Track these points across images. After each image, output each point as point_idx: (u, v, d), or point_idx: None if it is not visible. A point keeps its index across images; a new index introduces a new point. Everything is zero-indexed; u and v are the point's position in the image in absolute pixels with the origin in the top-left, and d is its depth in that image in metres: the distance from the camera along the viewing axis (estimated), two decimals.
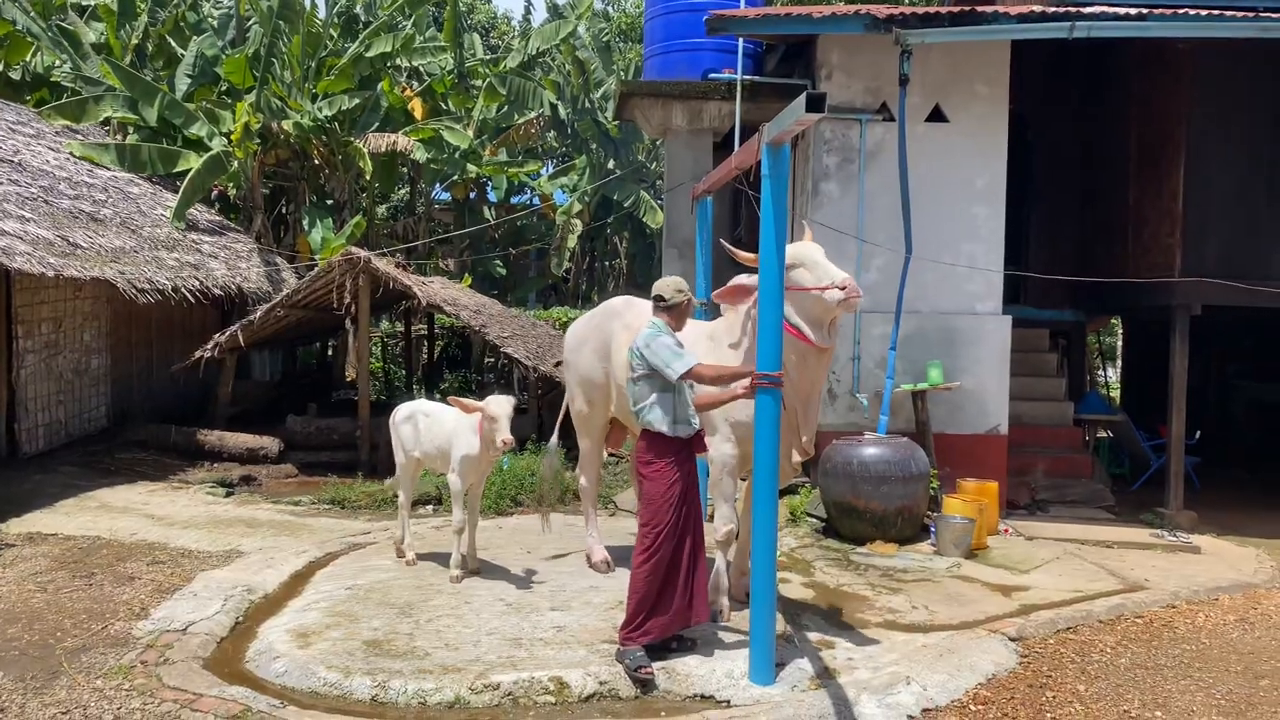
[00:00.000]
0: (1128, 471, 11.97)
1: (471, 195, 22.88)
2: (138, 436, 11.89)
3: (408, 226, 22.04)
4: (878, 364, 9.23)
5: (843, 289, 5.33)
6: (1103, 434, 12.43)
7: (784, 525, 8.92)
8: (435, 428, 6.86)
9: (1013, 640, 5.97)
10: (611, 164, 20.72)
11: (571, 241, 21.11)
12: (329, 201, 19.31)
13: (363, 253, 11.51)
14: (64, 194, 11.60)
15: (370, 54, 17.74)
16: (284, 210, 20.61)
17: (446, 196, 23.41)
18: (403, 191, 23.40)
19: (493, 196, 23.09)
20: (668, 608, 5.17)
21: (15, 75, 17.66)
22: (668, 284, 5.46)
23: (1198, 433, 11.18)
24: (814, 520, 8.85)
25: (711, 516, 6.43)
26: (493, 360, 18.34)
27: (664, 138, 10.35)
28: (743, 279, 5.67)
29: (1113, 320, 18.97)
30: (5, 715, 4.58)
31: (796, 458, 5.86)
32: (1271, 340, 12.85)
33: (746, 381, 5.06)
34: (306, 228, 17.59)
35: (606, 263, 23.90)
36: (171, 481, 10.59)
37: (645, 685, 5.02)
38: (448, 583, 6.62)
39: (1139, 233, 10.24)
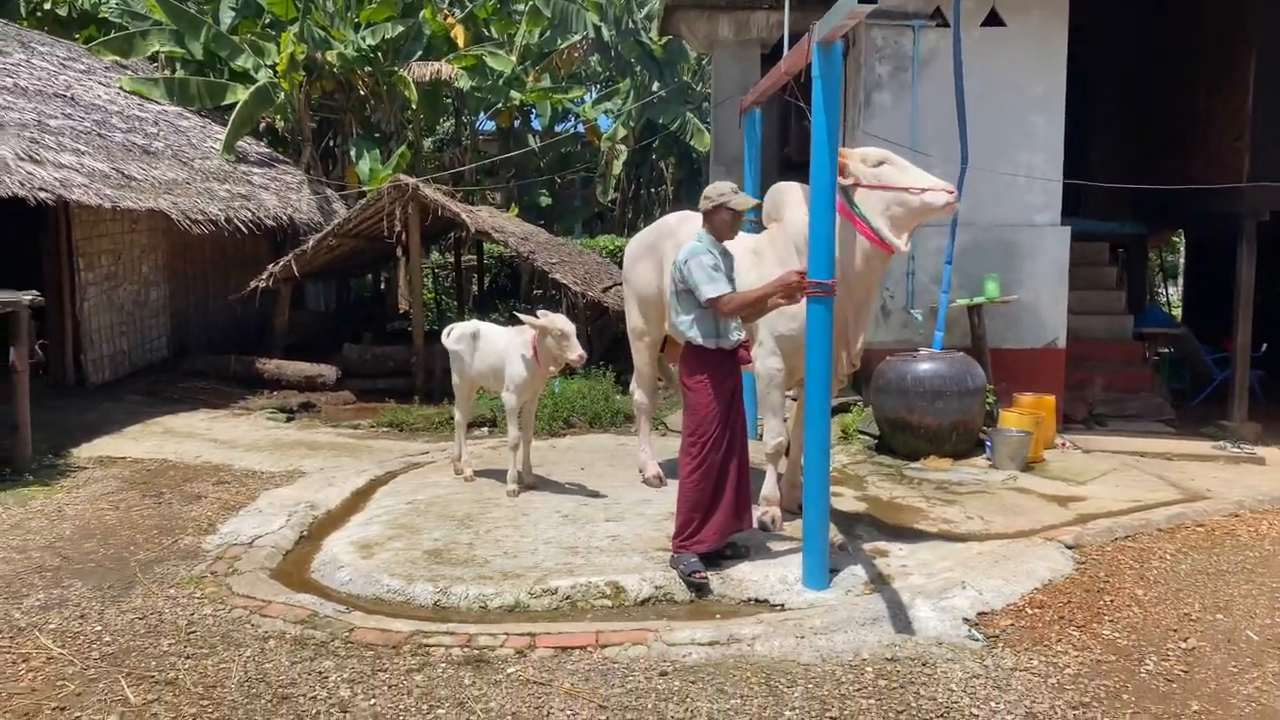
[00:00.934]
0: (1189, 386, 11.74)
1: (516, 124, 22.76)
2: (198, 366, 12.14)
3: (454, 157, 22.05)
4: (933, 279, 9.08)
5: (949, 192, 5.23)
6: (1164, 350, 12.17)
7: (836, 443, 8.89)
8: (488, 347, 6.91)
9: (1069, 548, 5.93)
10: (656, 86, 20.42)
11: (617, 168, 20.95)
12: (376, 133, 19.34)
13: (411, 180, 11.52)
14: (117, 127, 11.73)
15: None
16: (331, 143, 20.70)
17: (491, 126, 23.32)
18: (448, 122, 23.30)
19: (537, 124, 22.95)
20: (718, 515, 5.21)
21: (63, 12, 17.79)
22: (708, 189, 5.36)
23: (1264, 345, 10.90)
24: (866, 437, 8.81)
25: (761, 432, 6.43)
26: (540, 290, 18.38)
27: (710, 52, 10.15)
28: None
29: (1175, 237, 18.48)
30: (86, 620, 4.77)
31: (844, 368, 5.82)
32: None
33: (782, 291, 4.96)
34: (354, 159, 17.66)
35: (653, 189, 23.69)
36: (233, 409, 10.82)
37: (700, 589, 5.09)
38: (505, 497, 6.73)
39: (1205, 138, 9.89)
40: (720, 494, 5.23)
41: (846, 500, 7.03)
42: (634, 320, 7.12)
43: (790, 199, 5.85)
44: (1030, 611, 4.98)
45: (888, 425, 8.41)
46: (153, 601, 5.02)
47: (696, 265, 5.13)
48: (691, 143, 19.37)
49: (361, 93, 19.33)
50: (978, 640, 4.63)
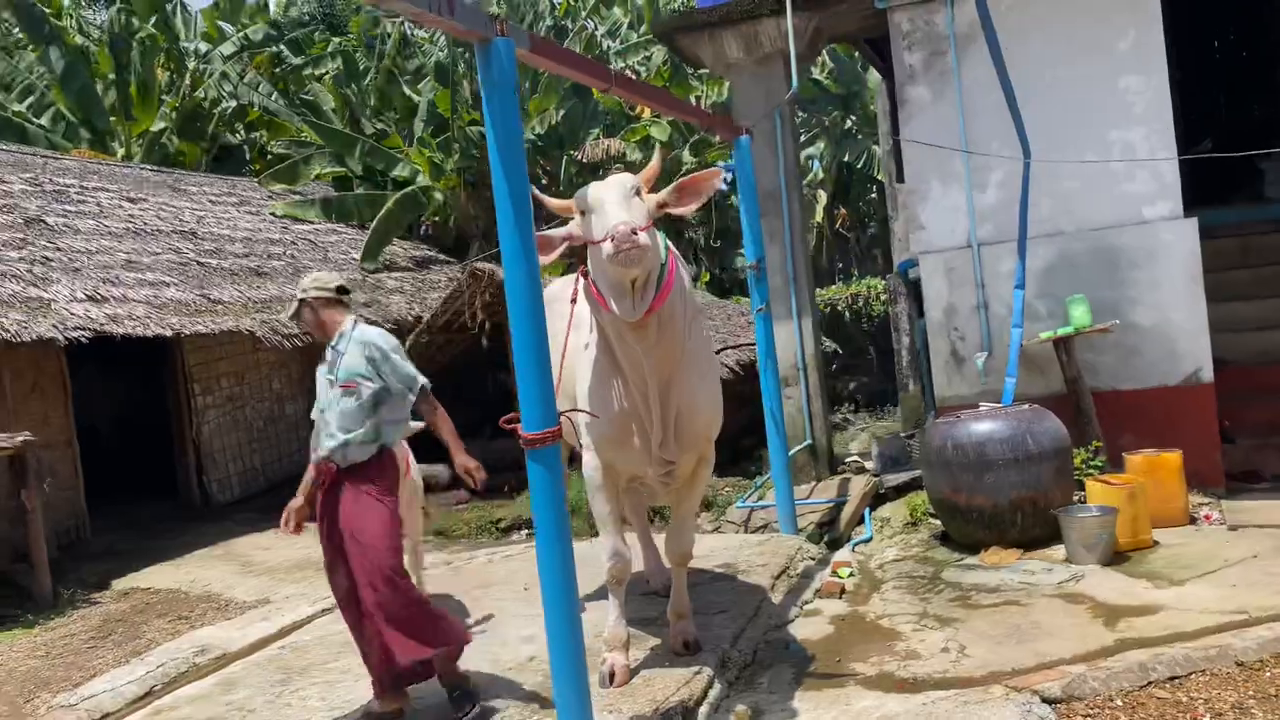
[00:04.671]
0: None
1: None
2: None
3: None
4: (1010, 310, 7.02)
5: (613, 239, 3.69)
6: None
7: (900, 529, 7.09)
8: None
9: (1049, 702, 3.97)
10: (849, 123, 18.79)
11: (817, 214, 19.40)
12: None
13: (488, 266, 10.96)
14: (231, 253, 12.22)
15: None
16: None
17: None
18: None
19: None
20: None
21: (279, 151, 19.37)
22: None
23: None
24: (937, 523, 6.87)
25: None
26: None
27: (727, 76, 8.74)
28: (550, 230, 4.23)
29: None
30: None
31: (655, 466, 4.32)
32: None
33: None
34: None
35: (863, 232, 21.69)
36: None
37: None
38: None
39: None
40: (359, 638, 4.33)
41: (817, 622, 5.36)
42: None
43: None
44: None
45: (939, 508, 6.51)
46: None
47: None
48: (881, 178, 17.50)
49: (543, 180, 19.46)
50: None
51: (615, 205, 3.80)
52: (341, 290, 4.50)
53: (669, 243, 4.16)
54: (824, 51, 18.93)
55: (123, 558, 9.31)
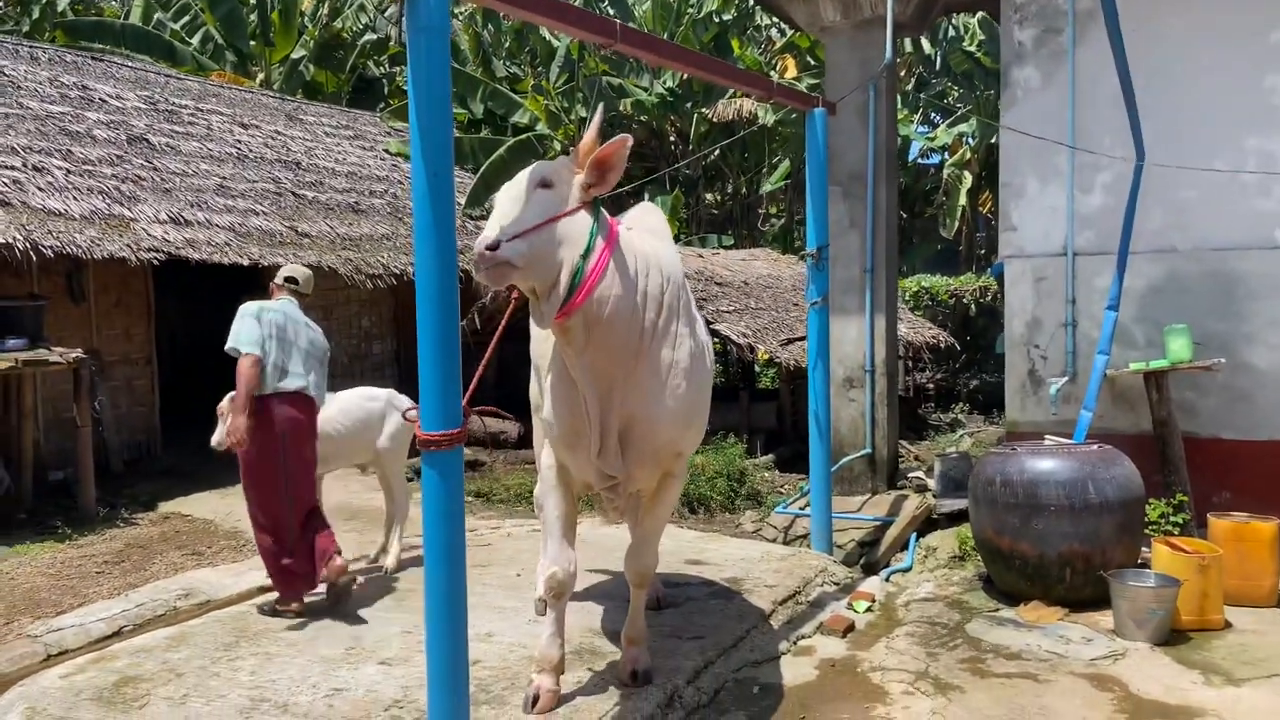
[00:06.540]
0: None
1: None
2: None
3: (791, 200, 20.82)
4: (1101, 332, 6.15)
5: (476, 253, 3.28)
6: None
7: (945, 563, 6.41)
8: None
9: None
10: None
11: (960, 197, 18.18)
12: (677, 180, 18.77)
13: None
14: (330, 188, 12.17)
15: (700, 15, 16.77)
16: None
17: None
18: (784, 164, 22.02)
19: None
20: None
21: None
22: None
23: None
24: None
25: None
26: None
27: (822, 39, 7.92)
28: None
29: None
30: None
31: (594, 477, 3.83)
32: None
33: None
34: None
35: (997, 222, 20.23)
36: None
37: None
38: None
39: None
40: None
41: (800, 665, 4.78)
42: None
43: None
44: None
45: (982, 549, 5.77)
46: None
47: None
48: None
49: (672, 138, 18.94)
50: None
51: (497, 211, 3.36)
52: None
53: (602, 226, 3.56)
54: (977, 23, 17.65)
55: (180, 480, 9.48)
